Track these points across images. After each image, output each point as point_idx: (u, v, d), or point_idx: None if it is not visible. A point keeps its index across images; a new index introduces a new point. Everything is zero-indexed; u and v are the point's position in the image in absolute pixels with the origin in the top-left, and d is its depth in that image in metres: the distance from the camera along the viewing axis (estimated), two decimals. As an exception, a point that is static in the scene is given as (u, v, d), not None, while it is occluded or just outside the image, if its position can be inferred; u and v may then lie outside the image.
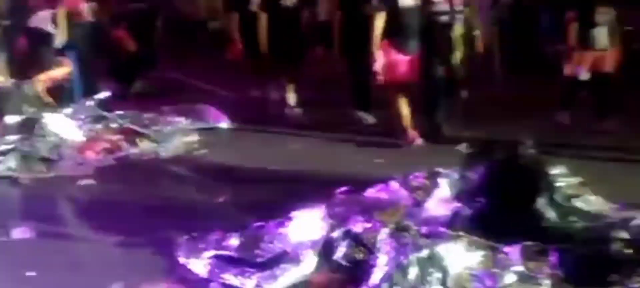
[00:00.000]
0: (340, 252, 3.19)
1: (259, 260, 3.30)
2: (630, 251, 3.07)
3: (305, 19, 7.07)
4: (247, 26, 6.94)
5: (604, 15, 5.89)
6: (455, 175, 3.91)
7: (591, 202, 3.75)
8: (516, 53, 8.22)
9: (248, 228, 3.64)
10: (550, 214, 3.31)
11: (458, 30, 5.96)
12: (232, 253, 3.40)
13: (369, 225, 3.57)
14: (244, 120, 6.62)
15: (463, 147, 3.95)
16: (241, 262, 3.30)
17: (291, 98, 7.03)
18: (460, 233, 3.26)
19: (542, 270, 3.00)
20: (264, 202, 4.24)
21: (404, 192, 4.09)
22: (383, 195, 4.13)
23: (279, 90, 7.17)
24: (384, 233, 3.21)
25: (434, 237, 3.25)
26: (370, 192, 4.23)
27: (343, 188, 4.30)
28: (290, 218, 3.52)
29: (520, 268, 3.01)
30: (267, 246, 3.35)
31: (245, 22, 7.00)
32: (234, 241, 3.49)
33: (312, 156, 5.61)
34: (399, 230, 3.26)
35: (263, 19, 6.78)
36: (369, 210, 3.93)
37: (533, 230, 3.25)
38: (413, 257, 3.03)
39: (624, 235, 3.15)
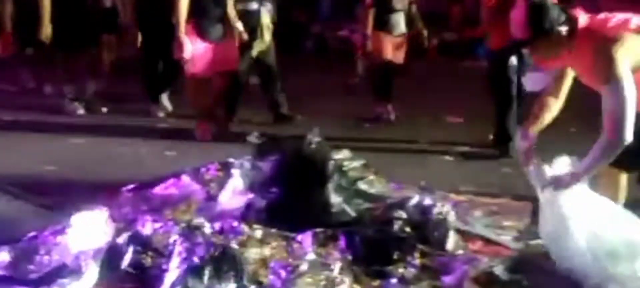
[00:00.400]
0: (126, 259, 2.95)
1: (33, 276, 2.93)
2: (409, 229, 3.21)
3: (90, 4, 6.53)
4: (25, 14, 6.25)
5: (401, 1, 6.09)
6: (248, 165, 3.85)
7: (374, 184, 3.91)
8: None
9: (19, 241, 3.23)
10: (337, 199, 3.37)
11: (265, 18, 5.90)
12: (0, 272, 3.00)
13: (158, 225, 3.37)
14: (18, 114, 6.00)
15: (253, 138, 3.91)
16: (12, 282, 2.91)
17: (73, 89, 6.48)
18: (255, 225, 3.20)
19: (332, 255, 3.04)
20: (38, 208, 3.79)
21: (196, 186, 3.96)
22: (173, 191, 3.96)
23: (59, 81, 6.58)
24: (175, 234, 3.03)
25: (227, 232, 3.16)
26: (160, 188, 4.02)
27: (129, 186, 4.04)
28: (69, 225, 3.19)
29: (312, 256, 3.02)
30: (43, 259, 3.00)
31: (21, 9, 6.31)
32: (2, 256, 3.08)
33: (96, 151, 5.21)
34: (190, 229, 3.10)
35: (46, 4, 6.08)
36: (159, 208, 3.74)
37: (323, 216, 3.28)
38: (207, 256, 2.89)
39: (403, 214, 3.29)
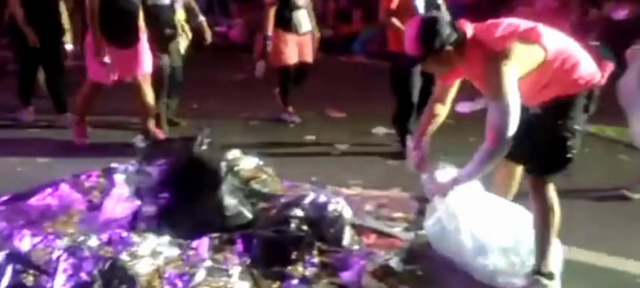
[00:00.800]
0: (5, 280, 2.71)
1: None
2: (306, 227, 3.20)
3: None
4: None
5: None
6: (132, 170, 3.67)
7: (267, 183, 3.86)
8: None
9: None
10: (232, 201, 3.28)
11: (180, 14, 5.65)
12: None
13: (37, 239, 3.14)
14: None
15: (139, 141, 3.72)
16: None
17: None
18: (145, 234, 3.05)
19: (229, 260, 2.96)
20: None
21: (76, 195, 3.72)
22: (52, 201, 3.70)
23: None
24: (58, 249, 2.82)
25: (116, 243, 2.99)
26: (36, 199, 3.74)
27: (1, 198, 3.73)
28: None
29: (209, 262, 2.92)
30: None
31: None
32: None
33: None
34: (75, 243, 2.91)
35: None
36: (37, 221, 3.48)
37: (218, 220, 3.19)
38: (95, 271, 2.71)
39: (299, 212, 3.27)
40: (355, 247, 3.28)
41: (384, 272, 3.08)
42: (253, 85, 6.53)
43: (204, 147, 3.33)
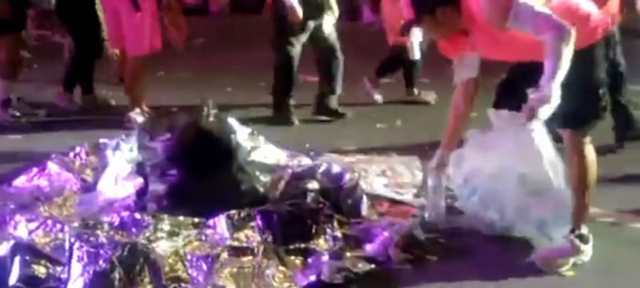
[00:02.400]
0: (14, 274, 2.49)
1: None
2: (323, 199, 3.07)
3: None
4: None
5: None
6: (129, 146, 3.44)
7: (268, 153, 3.68)
8: None
9: None
10: (244, 175, 3.11)
11: None
12: None
13: (34, 225, 2.91)
14: None
15: (136, 114, 3.47)
16: None
17: None
18: (160, 215, 2.86)
19: (252, 238, 2.81)
20: None
21: (66, 174, 3.47)
22: (41, 183, 3.44)
23: None
24: (69, 236, 2.60)
25: (129, 226, 2.79)
26: (23, 181, 3.48)
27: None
28: None
29: (231, 241, 2.77)
30: None
31: None
32: None
33: None
34: (87, 228, 2.69)
35: None
36: (30, 205, 3.23)
37: (233, 195, 3.02)
38: (114, 257, 2.52)
39: (315, 185, 3.14)
40: (374, 217, 3.19)
41: (406, 242, 2.98)
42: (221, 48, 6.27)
43: (212, 119, 3.13)
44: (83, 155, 3.60)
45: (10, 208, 3.14)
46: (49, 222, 2.95)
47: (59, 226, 2.90)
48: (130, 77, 4.87)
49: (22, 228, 2.93)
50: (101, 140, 3.66)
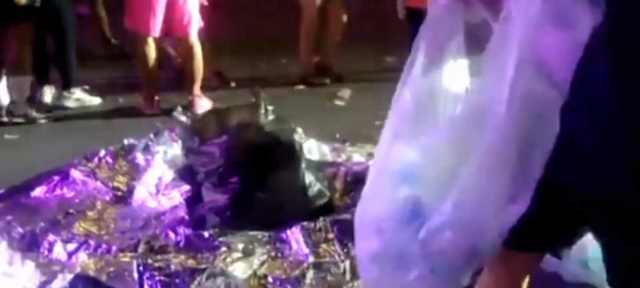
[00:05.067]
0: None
1: None
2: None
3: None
4: None
5: None
6: (163, 147, 3.07)
7: (311, 147, 3.37)
8: None
9: None
10: (311, 178, 2.79)
11: None
12: None
13: (72, 247, 2.55)
14: None
15: (180, 114, 3.07)
16: None
17: None
18: (230, 231, 2.52)
19: (333, 253, 2.51)
20: None
21: (95, 183, 3.06)
22: (67, 193, 3.02)
23: None
24: (135, 263, 2.25)
25: (196, 247, 2.44)
26: (43, 191, 3.05)
27: (-1, 192, 3.03)
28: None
29: (314, 258, 2.47)
30: None
31: None
32: None
33: None
34: (151, 253, 2.34)
35: None
36: (59, 221, 2.82)
37: (302, 203, 2.71)
38: (192, 287, 2.19)
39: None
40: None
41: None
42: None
43: (271, 117, 2.79)
44: (109, 160, 3.19)
45: (40, 226, 2.73)
46: (92, 242, 2.59)
47: (104, 246, 2.55)
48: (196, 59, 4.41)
49: (59, 249, 2.56)
50: (126, 142, 3.26)
